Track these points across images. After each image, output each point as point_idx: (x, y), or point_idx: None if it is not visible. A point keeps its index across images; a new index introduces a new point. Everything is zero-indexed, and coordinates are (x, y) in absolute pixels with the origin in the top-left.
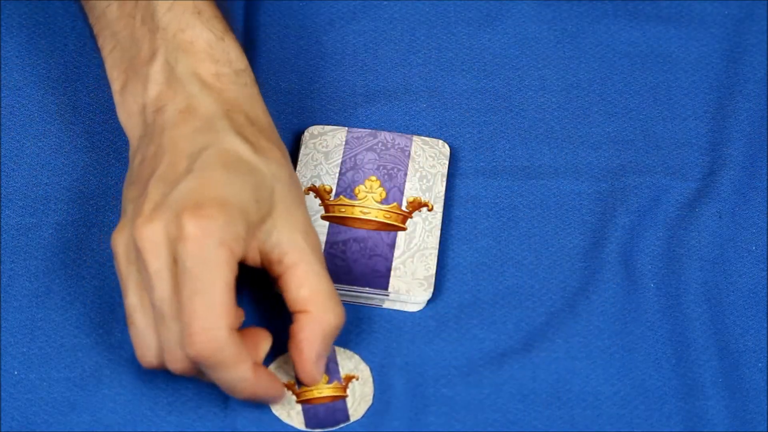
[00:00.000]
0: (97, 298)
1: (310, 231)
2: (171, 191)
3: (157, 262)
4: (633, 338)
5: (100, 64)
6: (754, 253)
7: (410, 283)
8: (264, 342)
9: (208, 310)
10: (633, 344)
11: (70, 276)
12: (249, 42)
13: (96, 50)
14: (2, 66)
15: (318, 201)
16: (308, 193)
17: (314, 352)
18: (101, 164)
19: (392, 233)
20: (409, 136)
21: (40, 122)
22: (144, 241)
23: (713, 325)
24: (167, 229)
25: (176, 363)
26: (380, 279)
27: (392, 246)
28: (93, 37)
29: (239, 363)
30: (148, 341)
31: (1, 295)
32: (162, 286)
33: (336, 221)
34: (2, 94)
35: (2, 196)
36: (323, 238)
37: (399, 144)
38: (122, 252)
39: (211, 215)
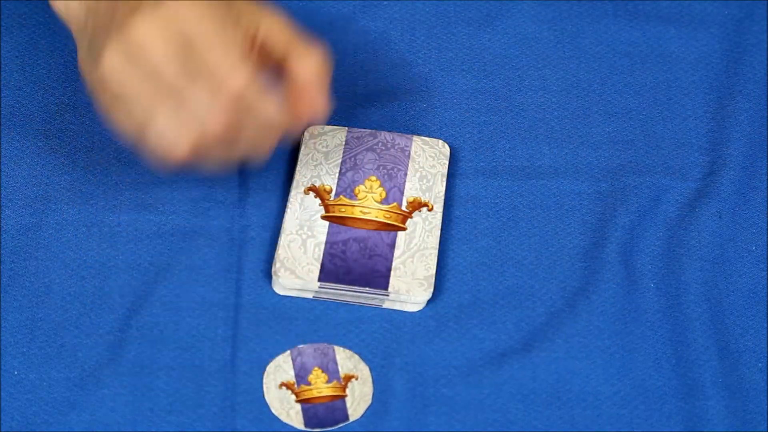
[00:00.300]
0: (97, 298)
1: (276, 12)
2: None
3: (163, 47)
4: (633, 338)
5: None
6: (754, 253)
7: (410, 283)
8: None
9: (229, 51)
10: (633, 344)
11: (70, 276)
12: None
13: None
14: (2, 66)
15: (318, 201)
16: (308, 193)
17: (314, 85)
18: (101, 164)
19: (392, 233)
20: (409, 136)
21: (40, 122)
22: (143, 36)
23: (713, 325)
24: (163, 20)
25: (214, 125)
26: (380, 279)
27: (392, 246)
28: None
29: (266, 95)
30: (176, 129)
31: (1, 295)
32: (175, 63)
33: (336, 221)
34: (2, 94)
35: (2, 196)
36: (323, 238)
37: (399, 144)
38: (119, 71)
39: (200, 3)
